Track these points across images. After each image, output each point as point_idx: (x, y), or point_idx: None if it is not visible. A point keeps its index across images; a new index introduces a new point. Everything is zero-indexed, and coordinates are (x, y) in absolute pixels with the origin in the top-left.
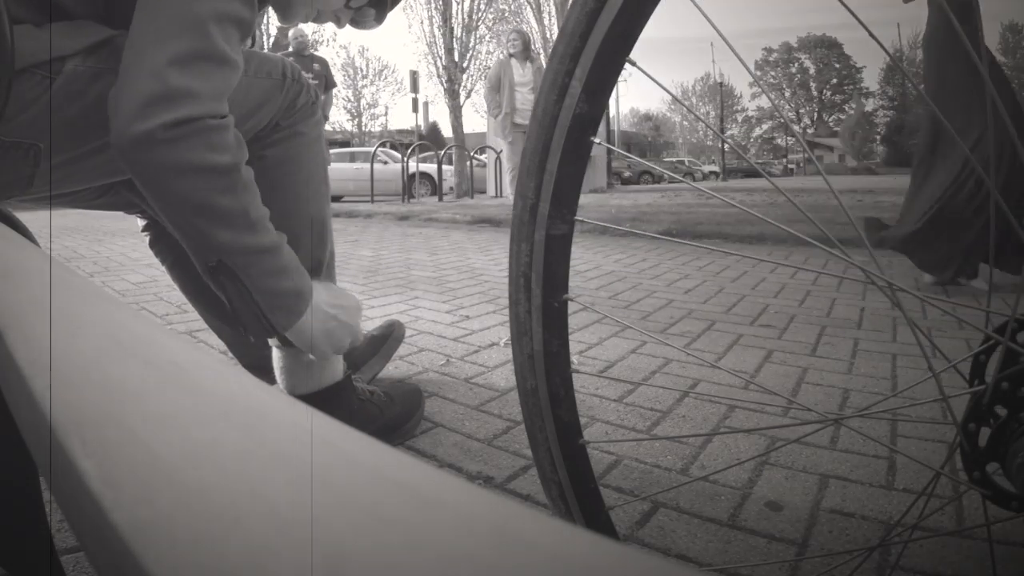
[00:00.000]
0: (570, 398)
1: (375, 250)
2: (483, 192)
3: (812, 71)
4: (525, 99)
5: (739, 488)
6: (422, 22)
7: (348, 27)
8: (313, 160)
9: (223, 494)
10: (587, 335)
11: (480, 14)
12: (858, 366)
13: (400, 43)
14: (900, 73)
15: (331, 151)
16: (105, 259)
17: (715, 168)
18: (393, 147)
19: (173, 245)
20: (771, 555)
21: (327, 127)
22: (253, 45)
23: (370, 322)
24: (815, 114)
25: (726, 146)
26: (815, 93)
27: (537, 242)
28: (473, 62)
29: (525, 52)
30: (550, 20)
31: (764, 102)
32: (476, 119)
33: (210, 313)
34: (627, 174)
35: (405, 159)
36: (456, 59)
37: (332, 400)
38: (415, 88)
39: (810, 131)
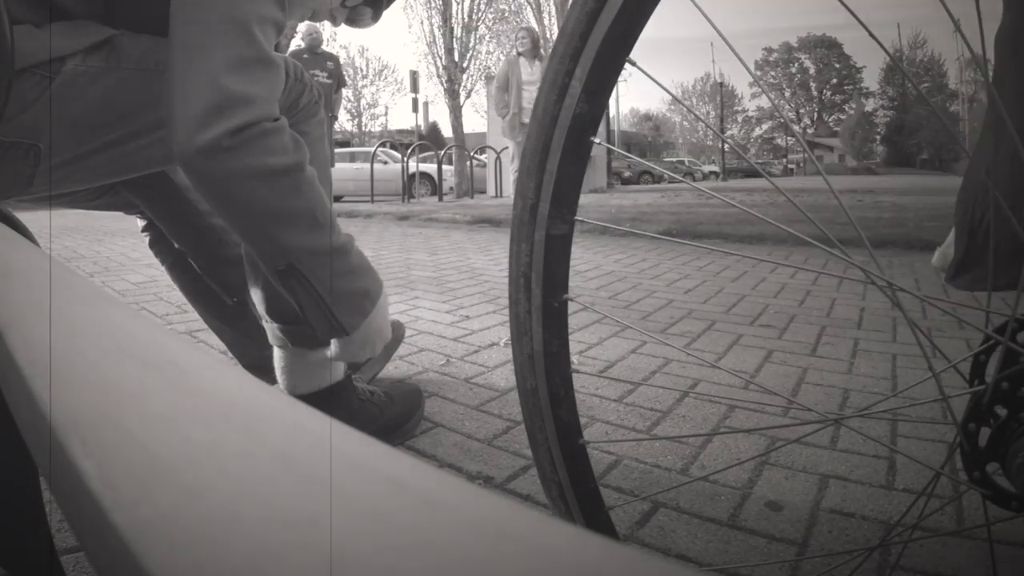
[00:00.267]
0: (570, 398)
1: (375, 250)
2: (483, 192)
3: (812, 71)
4: (533, 98)
5: (739, 488)
6: (422, 22)
7: (345, 27)
8: (316, 158)
9: (223, 494)
10: (587, 335)
11: (480, 14)
12: (858, 366)
13: (400, 43)
14: (900, 73)
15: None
16: (105, 259)
17: (715, 168)
18: (393, 147)
19: (173, 245)
20: (771, 555)
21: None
22: None
23: None
24: (815, 114)
25: (726, 146)
26: (815, 93)
27: (537, 242)
28: (473, 62)
29: (534, 50)
30: (550, 20)
31: (764, 102)
32: (476, 119)
33: (210, 314)
34: (627, 174)
35: (405, 159)
36: (456, 59)
37: (333, 400)
38: (415, 88)
39: (810, 131)
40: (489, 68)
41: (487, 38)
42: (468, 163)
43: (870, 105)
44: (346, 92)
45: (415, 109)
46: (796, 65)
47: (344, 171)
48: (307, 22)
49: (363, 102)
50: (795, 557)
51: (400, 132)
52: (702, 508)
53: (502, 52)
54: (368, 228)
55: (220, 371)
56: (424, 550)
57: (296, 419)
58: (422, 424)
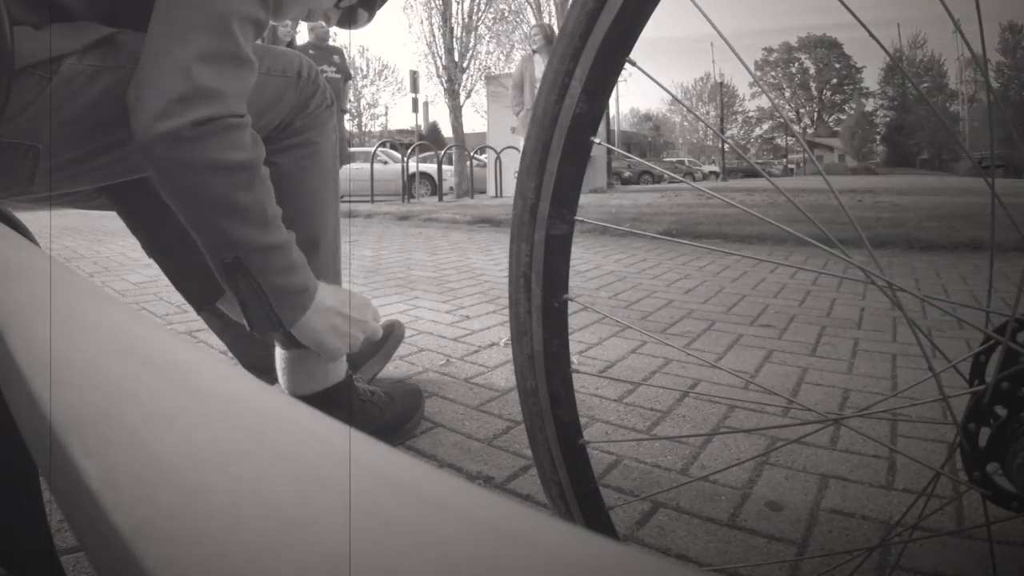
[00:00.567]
0: (570, 398)
1: (375, 250)
2: (483, 192)
3: (812, 71)
4: None
5: (739, 488)
6: (422, 22)
7: (340, 26)
8: (325, 173)
9: (223, 494)
10: (587, 335)
11: (480, 14)
12: (858, 366)
13: (400, 43)
14: (900, 73)
15: None
16: (105, 259)
17: (715, 168)
18: (393, 147)
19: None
20: (771, 555)
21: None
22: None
23: None
24: (815, 114)
25: (726, 146)
26: (815, 93)
27: (537, 242)
28: (473, 62)
29: (548, 46)
30: (550, 20)
31: (764, 102)
32: (476, 119)
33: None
34: (627, 174)
35: (405, 159)
36: (456, 59)
37: (334, 400)
38: (415, 88)
39: (810, 131)
40: (489, 68)
41: (487, 38)
42: (468, 163)
43: (870, 105)
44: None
45: (415, 109)
46: (796, 65)
47: (344, 171)
48: None
49: (363, 102)
50: (795, 557)
51: (400, 132)
52: (702, 508)
53: (502, 52)
54: (368, 228)
55: (220, 371)
56: (424, 550)
57: (296, 419)
58: (422, 424)
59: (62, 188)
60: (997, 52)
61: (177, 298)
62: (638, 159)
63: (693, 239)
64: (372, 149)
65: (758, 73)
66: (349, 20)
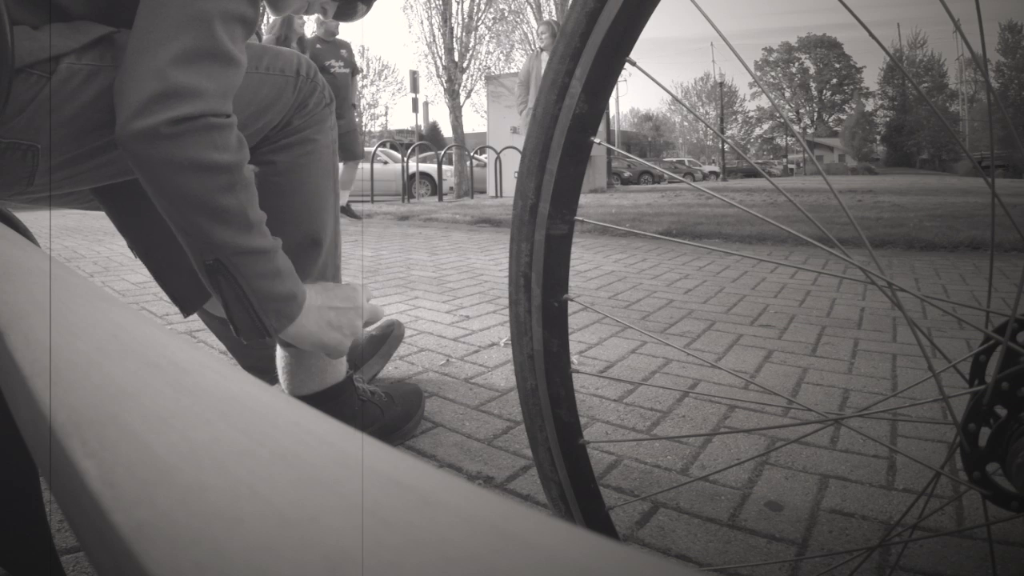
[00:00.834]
0: (570, 398)
1: (375, 250)
2: (483, 192)
3: (812, 71)
4: None
5: (739, 488)
6: (422, 22)
7: (342, 24)
8: (324, 171)
9: (223, 494)
10: (587, 335)
11: (480, 14)
12: (858, 366)
13: (400, 43)
14: (900, 73)
15: None
16: (105, 259)
17: (715, 168)
18: (393, 147)
19: None
20: (771, 555)
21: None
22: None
23: None
24: (815, 114)
25: (726, 146)
26: (815, 93)
27: (537, 242)
28: (473, 62)
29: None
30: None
31: (764, 102)
32: (476, 119)
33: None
34: (627, 174)
35: (405, 159)
36: (456, 59)
37: (334, 400)
38: (415, 88)
39: (810, 131)
40: (489, 68)
41: (487, 38)
42: (468, 163)
43: (870, 105)
44: None
45: (415, 109)
46: (796, 65)
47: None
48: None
49: (363, 102)
50: (795, 557)
51: (400, 132)
52: (702, 508)
53: (502, 52)
54: (368, 228)
55: (220, 371)
56: (424, 550)
57: (296, 419)
58: (422, 424)
59: (61, 188)
60: (997, 52)
61: None
62: (638, 159)
63: (693, 239)
64: (372, 149)
65: (758, 73)
66: (347, 13)
